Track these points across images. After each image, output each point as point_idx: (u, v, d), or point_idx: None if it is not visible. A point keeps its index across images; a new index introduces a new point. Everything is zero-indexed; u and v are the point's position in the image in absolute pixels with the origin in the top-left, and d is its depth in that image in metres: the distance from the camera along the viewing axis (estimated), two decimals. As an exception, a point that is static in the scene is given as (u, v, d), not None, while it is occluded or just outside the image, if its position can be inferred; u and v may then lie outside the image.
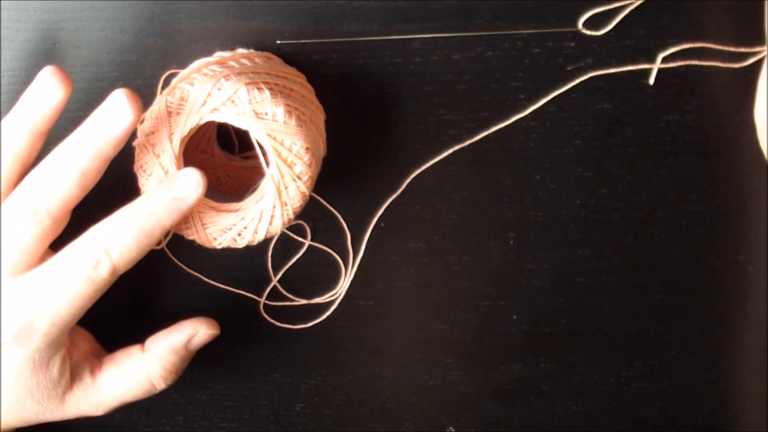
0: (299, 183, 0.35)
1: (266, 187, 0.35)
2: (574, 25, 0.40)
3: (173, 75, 0.37)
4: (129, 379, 0.38)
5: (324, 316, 0.44)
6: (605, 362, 0.45)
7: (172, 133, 0.34)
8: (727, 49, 0.40)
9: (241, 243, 0.36)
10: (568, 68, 0.40)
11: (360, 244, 0.43)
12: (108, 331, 0.45)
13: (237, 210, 0.36)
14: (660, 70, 0.40)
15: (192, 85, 0.34)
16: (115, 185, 0.42)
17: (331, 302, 0.44)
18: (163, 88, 0.39)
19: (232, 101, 0.34)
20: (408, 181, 0.42)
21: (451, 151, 0.42)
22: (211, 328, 0.39)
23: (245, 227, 0.36)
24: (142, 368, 0.38)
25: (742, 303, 0.44)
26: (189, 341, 0.38)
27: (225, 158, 0.41)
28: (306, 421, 0.46)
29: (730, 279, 0.43)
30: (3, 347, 0.35)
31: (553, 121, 0.41)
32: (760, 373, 0.45)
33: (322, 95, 0.38)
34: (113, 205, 0.42)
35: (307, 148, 0.35)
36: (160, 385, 0.38)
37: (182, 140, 0.34)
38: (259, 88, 0.34)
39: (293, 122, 0.34)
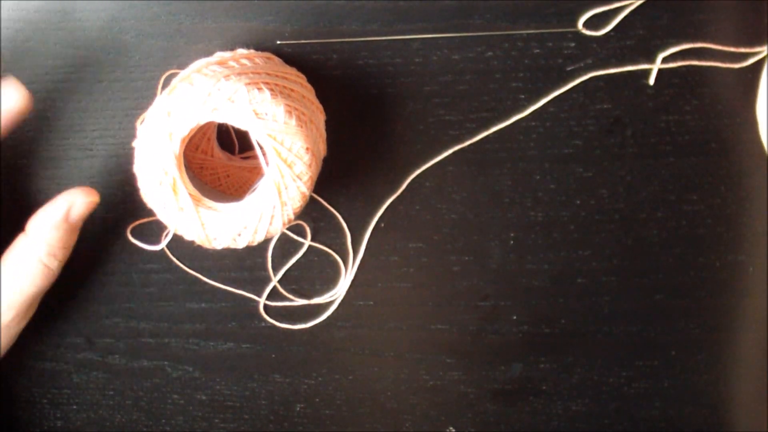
0: (299, 183, 0.35)
1: (266, 187, 0.35)
2: (574, 25, 0.40)
3: (173, 75, 0.37)
4: (20, 268, 0.37)
5: (324, 316, 0.44)
6: (605, 362, 0.45)
7: (172, 133, 0.34)
8: (727, 49, 0.40)
9: (240, 243, 0.36)
10: (568, 68, 0.40)
11: (360, 244, 0.43)
12: (107, 331, 0.45)
13: (237, 210, 0.36)
14: (660, 70, 0.40)
15: (192, 85, 0.34)
16: (115, 185, 0.42)
17: (331, 302, 0.44)
18: (163, 88, 0.39)
19: (232, 101, 0.33)
20: (408, 181, 0.42)
21: (451, 151, 0.42)
22: (89, 195, 0.37)
23: (245, 227, 0.36)
24: (28, 252, 0.37)
25: (742, 303, 0.44)
26: (68, 214, 0.37)
27: (225, 158, 0.41)
28: (306, 421, 0.46)
29: (730, 279, 0.43)
30: None
31: (553, 121, 0.41)
32: (760, 373, 0.45)
33: (322, 95, 0.38)
34: (114, 205, 0.42)
35: (307, 148, 0.35)
36: (53, 264, 0.38)
37: (182, 140, 0.34)
38: (259, 88, 0.34)
39: (293, 122, 0.34)
